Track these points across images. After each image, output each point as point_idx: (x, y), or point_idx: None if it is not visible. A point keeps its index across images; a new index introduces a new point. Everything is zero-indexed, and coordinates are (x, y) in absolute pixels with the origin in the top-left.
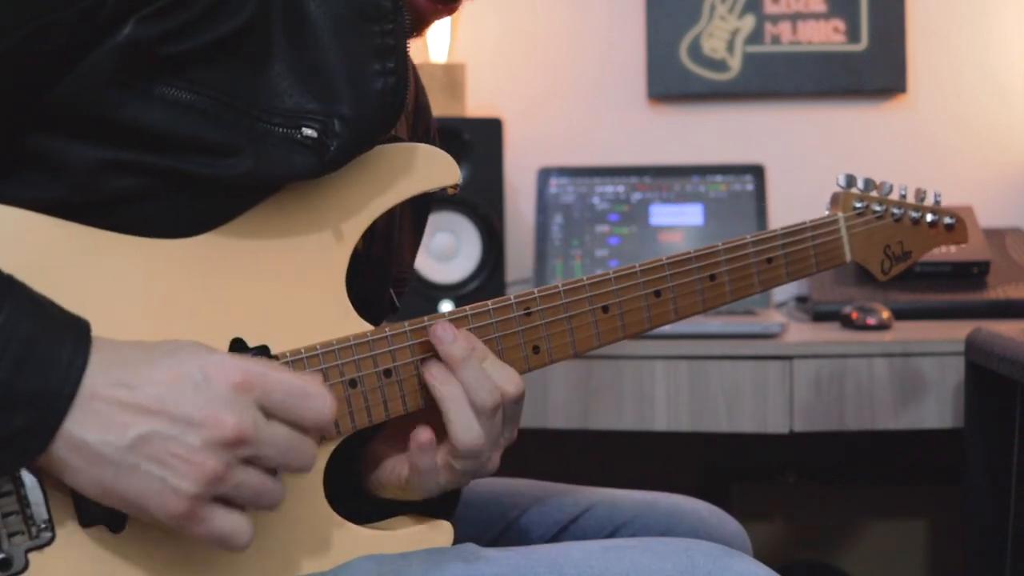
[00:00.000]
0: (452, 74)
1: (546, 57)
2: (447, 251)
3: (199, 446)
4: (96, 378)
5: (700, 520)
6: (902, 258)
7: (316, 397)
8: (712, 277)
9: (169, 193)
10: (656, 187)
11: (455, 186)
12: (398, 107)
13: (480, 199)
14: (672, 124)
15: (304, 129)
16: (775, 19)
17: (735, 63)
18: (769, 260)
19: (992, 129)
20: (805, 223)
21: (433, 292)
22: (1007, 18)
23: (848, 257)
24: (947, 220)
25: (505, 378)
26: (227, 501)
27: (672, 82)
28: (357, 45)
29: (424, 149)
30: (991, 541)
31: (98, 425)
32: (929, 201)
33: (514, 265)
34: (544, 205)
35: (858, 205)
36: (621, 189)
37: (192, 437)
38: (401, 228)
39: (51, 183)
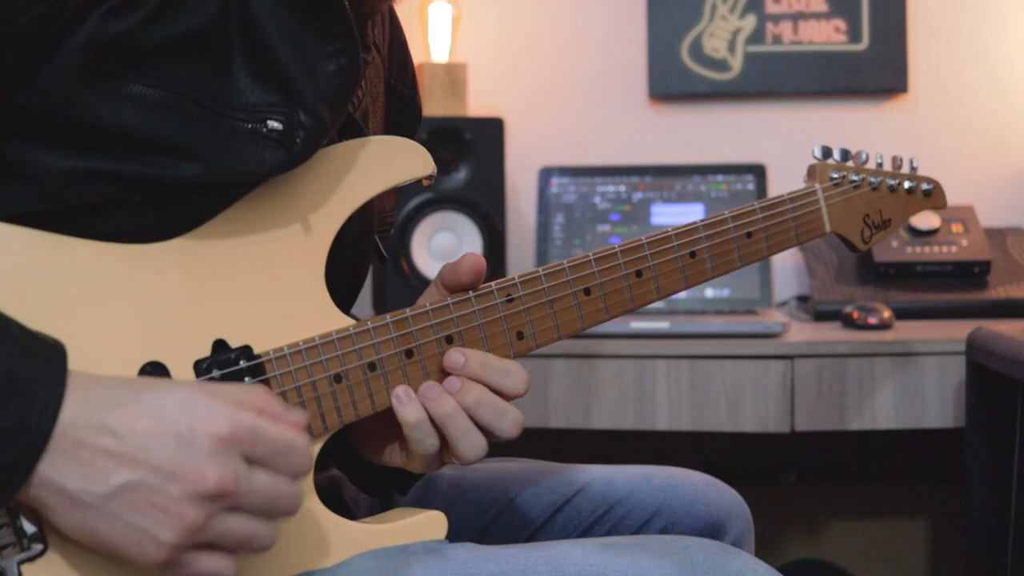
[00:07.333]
0: (453, 74)
1: (547, 57)
2: (448, 251)
3: (180, 497)
4: (79, 419)
5: (696, 492)
6: (882, 226)
7: (297, 454)
8: (692, 255)
9: (141, 198)
10: (657, 187)
11: (429, 177)
12: (352, 86)
13: (481, 199)
14: (673, 124)
15: (269, 122)
16: (776, 19)
17: (736, 63)
18: (749, 235)
19: (993, 129)
20: (784, 196)
21: None
22: (1007, 18)
23: (828, 228)
24: (924, 186)
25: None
26: (213, 546)
27: (673, 82)
28: (305, 32)
29: (398, 142)
30: (992, 541)
31: (80, 472)
32: (905, 168)
33: (515, 265)
34: (545, 205)
35: (835, 176)
36: (622, 189)
37: (173, 488)
38: None
39: (25, 192)
